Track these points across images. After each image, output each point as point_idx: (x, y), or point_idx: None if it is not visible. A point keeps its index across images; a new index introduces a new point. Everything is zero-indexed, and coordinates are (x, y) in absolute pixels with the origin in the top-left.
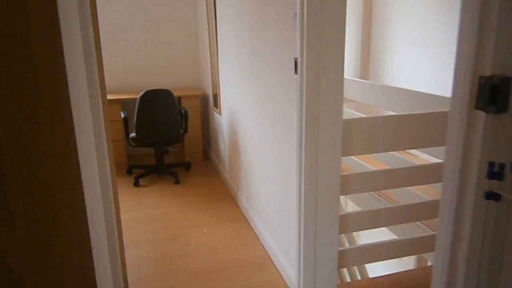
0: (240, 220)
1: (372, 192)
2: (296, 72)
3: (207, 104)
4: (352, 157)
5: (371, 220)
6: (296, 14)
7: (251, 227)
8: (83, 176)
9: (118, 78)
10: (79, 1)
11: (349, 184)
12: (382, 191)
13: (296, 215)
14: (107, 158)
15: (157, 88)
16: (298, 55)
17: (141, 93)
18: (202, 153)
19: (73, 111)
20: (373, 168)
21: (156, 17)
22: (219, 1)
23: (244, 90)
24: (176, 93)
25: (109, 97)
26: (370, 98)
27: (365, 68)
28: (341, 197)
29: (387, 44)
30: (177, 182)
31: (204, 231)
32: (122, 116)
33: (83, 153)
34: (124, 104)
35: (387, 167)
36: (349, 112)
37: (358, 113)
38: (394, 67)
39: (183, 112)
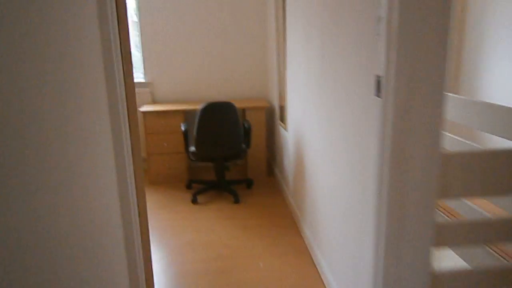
0: (302, 254)
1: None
2: (378, 95)
3: (273, 117)
4: None
5: None
6: (379, 17)
7: (314, 264)
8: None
9: (182, 88)
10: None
11: (446, 234)
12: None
13: (372, 270)
14: (128, 172)
15: (221, 99)
16: (381, 72)
17: (202, 106)
18: (266, 168)
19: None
20: (482, 211)
21: (223, 24)
22: (290, 8)
23: (313, 106)
24: (240, 105)
25: (171, 107)
26: (462, 116)
27: (455, 80)
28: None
29: (483, 53)
30: (236, 201)
31: (261, 264)
32: (183, 129)
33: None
34: (187, 114)
35: (500, 210)
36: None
37: (455, 136)
38: (490, 80)
39: (246, 126)
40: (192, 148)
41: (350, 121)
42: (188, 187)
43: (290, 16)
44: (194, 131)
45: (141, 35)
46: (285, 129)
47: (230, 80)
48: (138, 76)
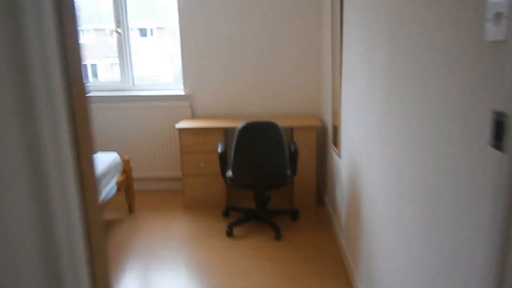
0: None
1: None
2: (497, 145)
3: (326, 138)
4: None
5: None
6: (497, 14)
7: None
8: None
9: (224, 102)
10: None
11: None
12: None
13: None
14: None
15: (267, 115)
16: (506, 107)
17: (240, 126)
18: (315, 197)
19: None
20: None
21: (271, 33)
22: (348, 15)
23: (375, 134)
24: (288, 123)
25: (210, 124)
26: None
27: None
28: None
29: None
30: (278, 237)
31: None
32: (219, 150)
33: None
34: (227, 132)
35: None
36: None
37: None
38: None
39: (292, 149)
40: (229, 173)
41: (439, 171)
42: (225, 214)
43: (348, 24)
44: (231, 154)
45: (181, 43)
46: (338, 155)
47: (277, 95)
48: (177, 88)
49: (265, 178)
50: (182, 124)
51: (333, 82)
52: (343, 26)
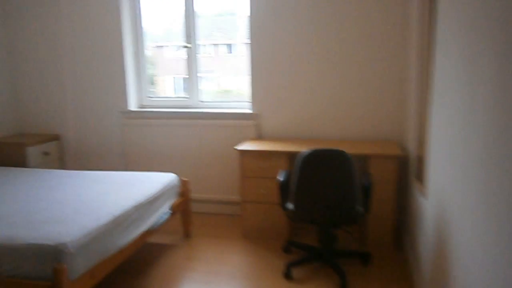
0: None
1: None
2: None
3: (408, 170)
4: None
5: None
6: None
7: None
8: None
9: (293, 123)
10: None
11: None
12: None
13: None
14: None
15: (339, 138)
16: None
17: (304, 153)
18: (391, 239)
19: None
20: None
21: (348, 49)
22: (441, 33)
23: (471, 174)
24: (363, 149)
25: (274, 146)
26: None
27: None
28: None
29: None
30: (343, 285)
31: None
32: (280, 179)
33: None
34: (293, 157)
35: None
36: None
37: None
38: None
39: (366, 182)
40: (290, 205)
41: None
42: (286, 250)
43: (441, 43)
44: (293, 184)
45: (251, 59)
46: (423, 193)
47: (352, 117)
48: (243, 106)
49: (331, 214)
50: (245, 146)
51: (419, 105)
52: (435, 44)
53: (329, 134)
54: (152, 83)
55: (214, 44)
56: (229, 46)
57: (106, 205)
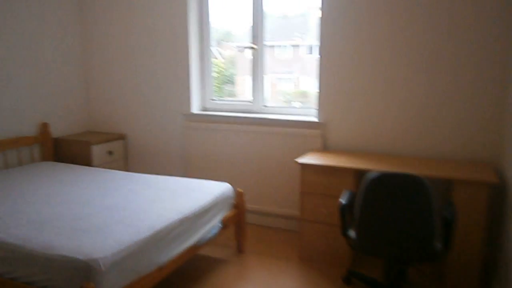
0: None
1: None
2: None
3: (505, 202)
4: None
5: None
6: None
7: None
8: None
9: (363, 135)
10: None
11: None
12: None
13: None
14: None
15: (416, 156)
16: None
17: (371, 176)
18: (478, 283)
19: None
20: None
21: (433, 53)
22: None
23: None
24: (446, 171)
25: (340, 161)
26: None
27: None
28: None
29: None
30: None
31: None
32: (342, 202)
33: None
34: (360, 175)
35: None
36: None
37: None
38: None
39: (447, 215)
40: (352, 233)
41: None
42: (346, 280)
43: None
44: (357, 209)
45: (320, 63)
46: None
47: (434, 131)
48: (309, 113)
49: (401, 250)
50: (306, 159)
51: None
52: None
53: (403, 150)
54: (233, 82)
55: (294, 46)
56: (310, 47)
57: (149, 217)
